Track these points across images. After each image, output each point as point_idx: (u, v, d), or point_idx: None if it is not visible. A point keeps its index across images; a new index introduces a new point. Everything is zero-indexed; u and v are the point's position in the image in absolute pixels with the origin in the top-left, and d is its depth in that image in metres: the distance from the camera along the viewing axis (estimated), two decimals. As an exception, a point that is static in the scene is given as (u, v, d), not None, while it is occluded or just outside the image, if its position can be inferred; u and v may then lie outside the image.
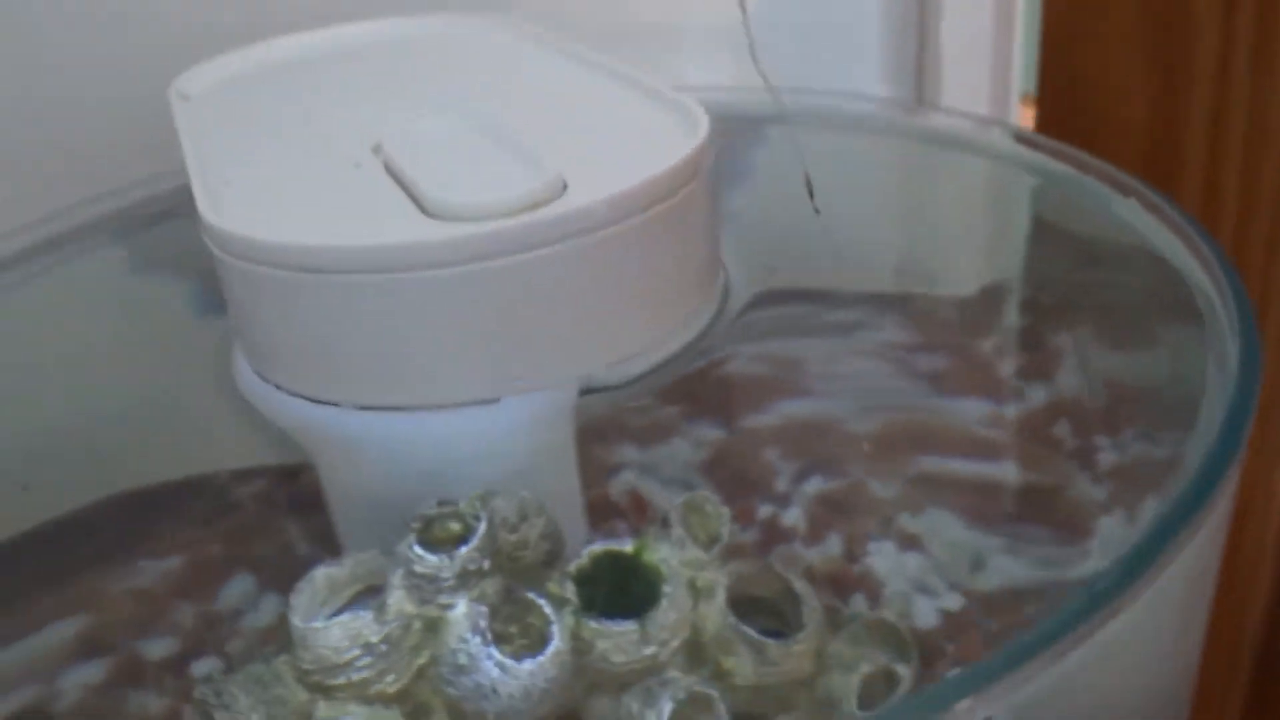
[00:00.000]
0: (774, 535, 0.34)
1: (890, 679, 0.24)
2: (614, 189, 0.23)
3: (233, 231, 0.23)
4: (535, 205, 0.21)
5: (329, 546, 0.29)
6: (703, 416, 0.36)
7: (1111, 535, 0.26)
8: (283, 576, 0.32)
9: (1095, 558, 0.26)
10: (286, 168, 0.27)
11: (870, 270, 0.34)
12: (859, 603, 0.31)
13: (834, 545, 0.33)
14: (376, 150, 0.27)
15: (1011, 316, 0.32)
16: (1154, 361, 0.28)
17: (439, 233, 0.22)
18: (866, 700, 0.24)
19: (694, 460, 0.35)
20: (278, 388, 0.26)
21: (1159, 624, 0.19)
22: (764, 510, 0.34)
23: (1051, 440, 0.30)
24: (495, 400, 0.24)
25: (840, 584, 0.32)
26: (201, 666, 0.30)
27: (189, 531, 0.32)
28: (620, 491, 0.35)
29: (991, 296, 0.33)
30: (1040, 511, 0.30)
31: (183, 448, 0.32)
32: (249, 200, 0.26)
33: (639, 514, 0.34)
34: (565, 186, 0.23)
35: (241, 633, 0.31)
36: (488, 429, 0.24)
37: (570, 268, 0.22)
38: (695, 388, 0.31)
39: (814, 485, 0.34)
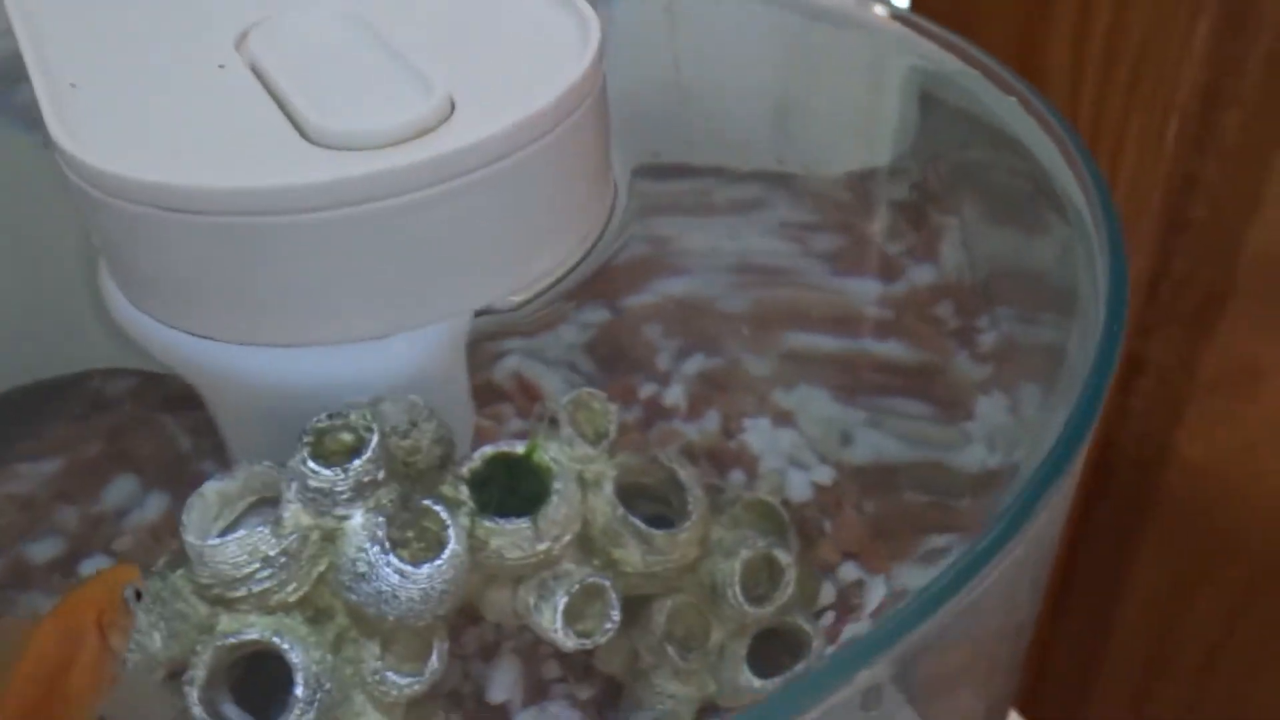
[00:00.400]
0: (655, 413, 0.35)
1: (771, 565, 0.26)
2: (506, 119, 0.21)
3: (93, 165, 0.21)
4: (422, 131, 0.20)
5: (211, 442, 0.28)
6: (586, 299, 0.36)
7: (990, 416, 0.28)
8: (166, 473, 0.32)
9: (976, 441, 0.28)
10: (140, 66, 0.25)
11: (754, 150, 0.34)
12: (737, 478, 0.32)
13: (712, 422, 0.34)
14: (240, 44, 0.25)
15: (897, 195, 0.33)
16: (1035, 245, 0.29)
17: (322, 171, 0.20)
18: (751, 584, 0.26)
19: (578, 342, 0.36)
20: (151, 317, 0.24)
21: (1033, 560, 0.21)
22: (646, 389, 0.35)
23: (934, 319, 0.31)
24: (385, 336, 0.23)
25: (718, 459, 0.33)
26: (90, 565, 0.30)
27: (65, 432, 0.31)
28: (506, 375, 0.35)
29: (875, 176, 0.33)
30: (922, 389, 0.31)
31: (51, 346, 0.31)
32: (103, 116, 0.23)
33: (524, 396, 0.35)
34: (453, 107, 0.22)
35: (128, 531, 0.31)
36: (378, 361, 0.23)
37: (461, 205, 0.21)
38: (579, 271, 0.32)
39: (694, 364, 0.35)
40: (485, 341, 0.34)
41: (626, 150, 0.29)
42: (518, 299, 0.24)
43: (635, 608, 0.27)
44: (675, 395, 0.35)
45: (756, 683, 0.26)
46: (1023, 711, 0.73)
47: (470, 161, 0.21)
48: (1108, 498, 0.58)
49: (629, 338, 0.37)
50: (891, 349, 0.33)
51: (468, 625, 0.29)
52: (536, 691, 0.28)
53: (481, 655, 0.29)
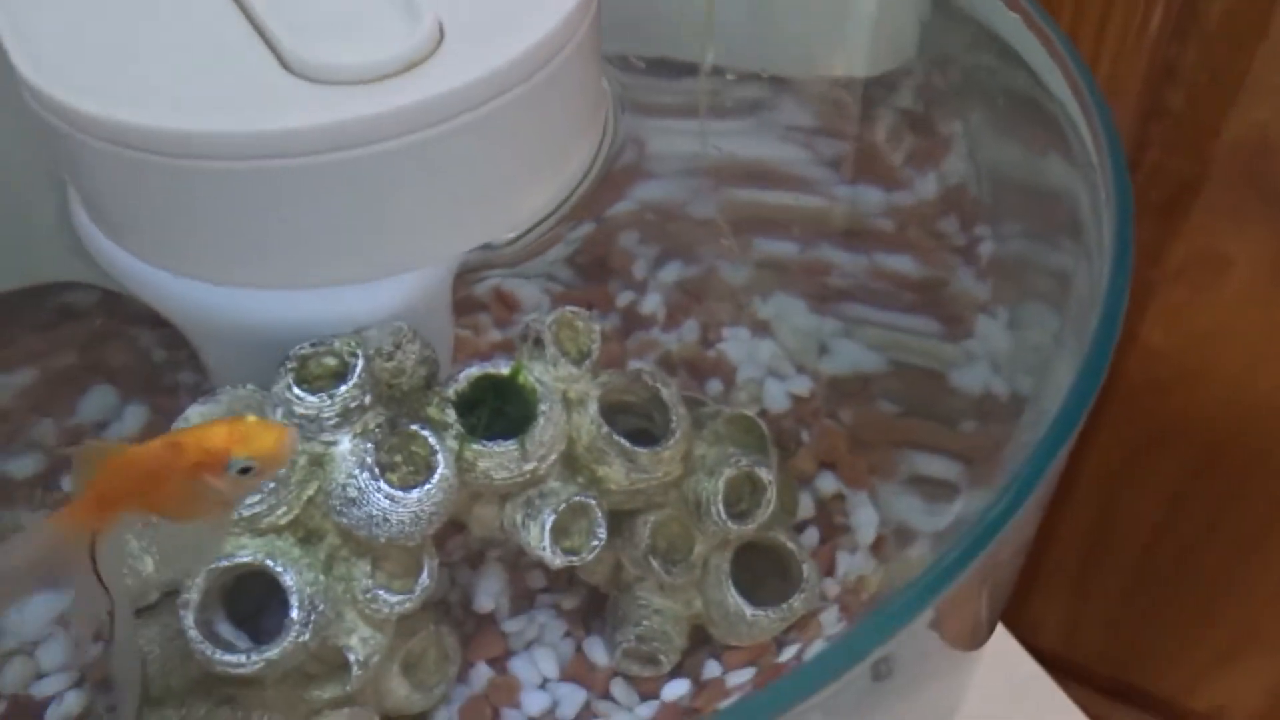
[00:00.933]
0: (633, 322, 0.35)
1: (753, 482, 0.26)
2: (498, 54, 0.20)
3: (63, 101, 0.19)
4: (410, 64, 0.19)
5: (185, 353, 0.28)
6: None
7: (991, 336, 0.28)
8: (142, 384, 0.31)
9: (978, 360, 0.28)
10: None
11: (755, 50, 0.33)
12: (715, 387, 0.33)
13: (691, 331, 0.34)
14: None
15: (905, 101, 0.32)
16: (1036, 162, 0.28)
17: (302, 113, 0.19)
18: (734, 499, 0.26)
19: (558, 254, 0.35)
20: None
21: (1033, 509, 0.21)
22: (624, 298, 0.35)
23: (937, 233, 0.31)
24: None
25: (697, 369, 0.33)
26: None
27: (35, 342, 0.31)
28: (484, 287, 0.35)
29: (885, 81, 0.32)
30: (923, 304, 0.31)
31: (12, 256, 0.30)
32: (70, 44, 0.21)
33: (502, 306, 0.35)
34: (442, 35, 0.20)
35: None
36: (365, 300, 0.23)
37: (451, 147, 0.20)
38: (573, 197, 0.31)
39: (671, 272, 0.35)
40: (470, 272, 0.34)
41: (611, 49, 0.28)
42: (512, 235, 0.23)
43: (619, 522, 0.27)
44: (653, 304, 0.35)
45: (749, 612, 0.26)
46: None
47: (461, 102, 0.20)
48: (1068, 380, 0.59)
49: (606, 246, 0.36)
50: (894, 261, 0.32)
51: (453, 534, 0.29)
52: (523, 600, 0.29)
53: (468, 563, 0.29)
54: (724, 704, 0.26)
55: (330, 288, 0.22)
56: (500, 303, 0.35)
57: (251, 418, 0.20)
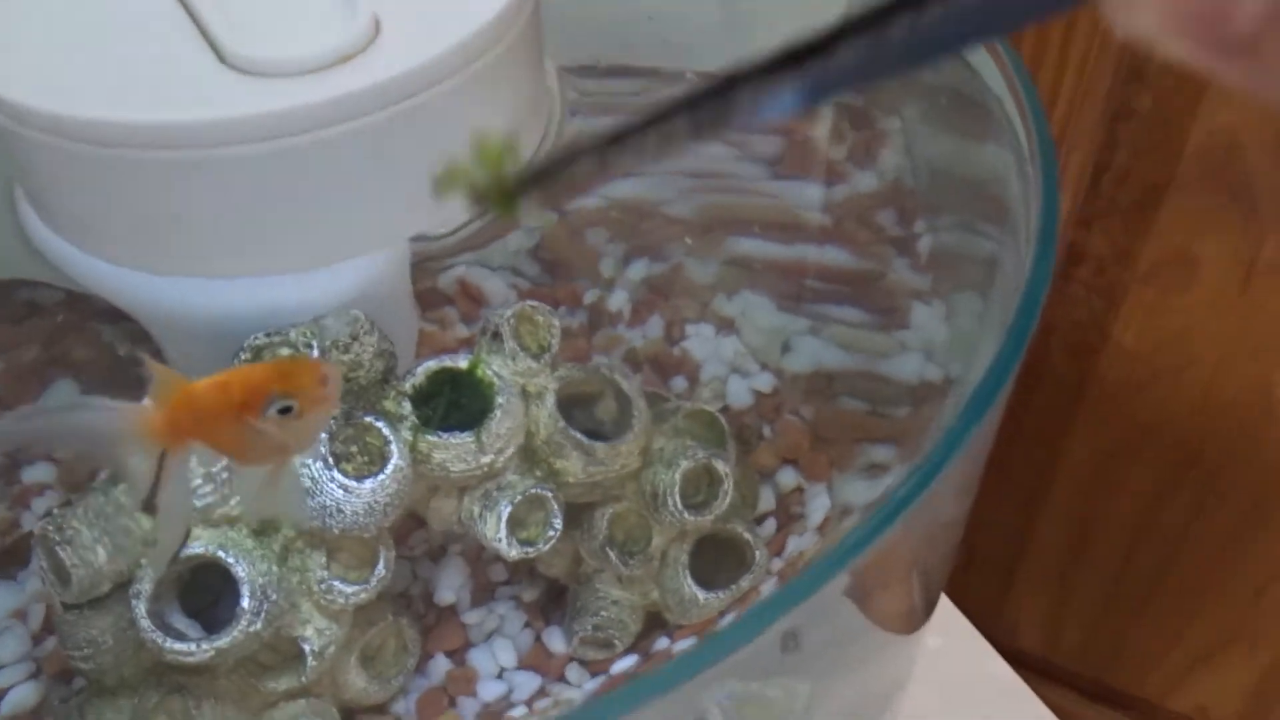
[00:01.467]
0: (600, 319, 0.35)
1: (710, 474, 0.26)
2: (435, 45, 0.20)
3: (3, 96, 0.19)
4: (347, 57, 0.19)
5: (149, 347, 0.28)
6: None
7: (926, 326, 0.28)
8: (105, 377, 0.32)
9: (912, 350, 0.28)
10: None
11: (695, 51, 0.33)
12: (679, 384, 0.33)
13: (655, 328, 0.34)
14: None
15: (841, 97, 0.32)
16: (971, 153, 0.28)
17: (241, 103, 0.19)
18: (691, 491, 0.26)
19: (523, 247, 0.35)
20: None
21: (965, 472, 0.21)
22: (591, 295, 0.35)
23: (874, 225, 0.31)
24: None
25: (661, 366, 0.34)
26: (33, 473, 0.30)
27: (1, 336, 0.31)
28: (449, 281, 0.35)
29: None
30: (860, 296, 0.31)
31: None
32: (11, 40, 0.21)
33: (468, 300, 0.35)
34: (379, 28, 0.21)
35: (70, 437, 0.31)
36: (319, 287, 0.23)
37: (386, 137, 0.20)
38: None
39: (638, 270, 0.35)
40: (431, 260, 0.34)
41: (564, 54, 0.28)
42: (446, 228, 0.23)
43: (578, 514, 0.27)
44: (619, 300, 0.35)
45: (701, 596, 0.27)
46: (950, 593, 0.76)
47: (397, 92, 0.20)
48: (1043, 383, 0.60)
49: (573, 243, 0.37)
50: (831, 255, 0.33)
51: (415, 528, 0.29)
52: (484, 593, 0.29)
53: (429, 557, 0.30)
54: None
55: (283, 276, 0.22)
56: (466, 297, 0.35)
57: (291, 356, 0.19)
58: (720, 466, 0.26)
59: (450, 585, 0.29)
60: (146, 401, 0.18)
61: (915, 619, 0.26)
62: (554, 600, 0.29)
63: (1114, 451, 0.60)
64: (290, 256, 0.21)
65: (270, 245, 0.21)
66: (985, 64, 0.23)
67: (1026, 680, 0.79)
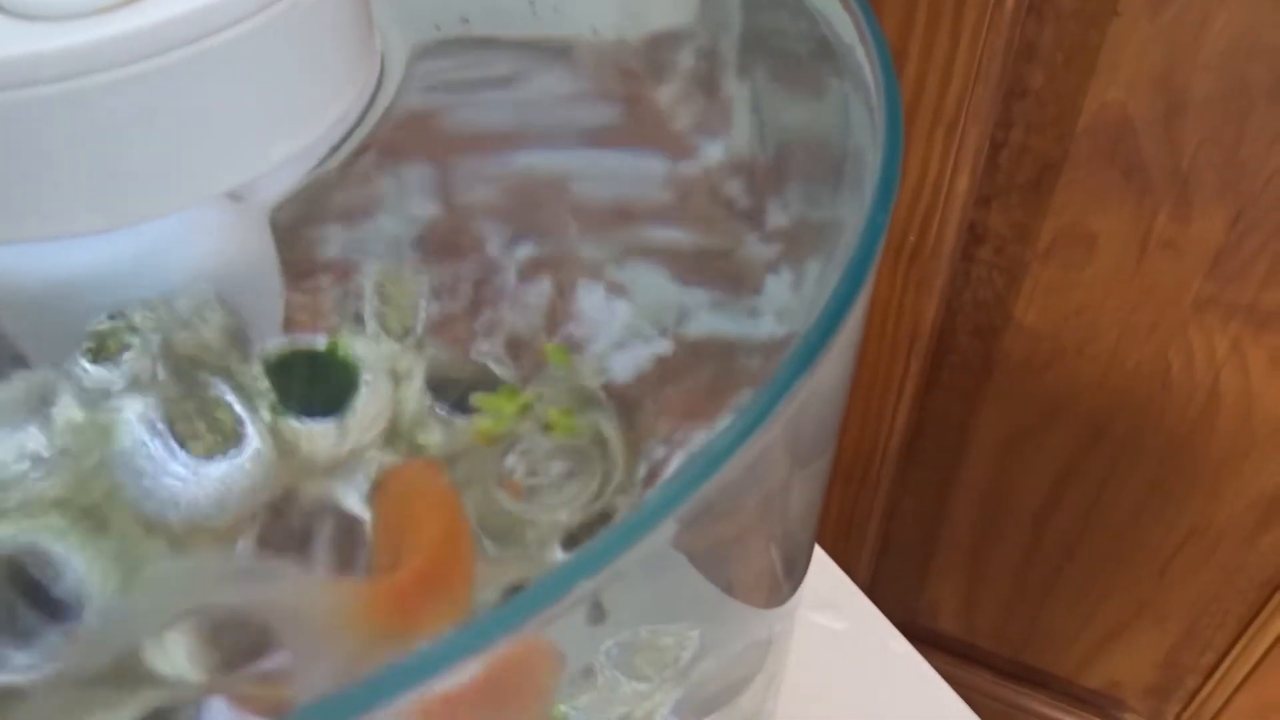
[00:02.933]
0: (483, 302, 0.34)
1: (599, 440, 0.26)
2: None
3: None
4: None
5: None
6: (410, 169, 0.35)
7: (777, 294, 0.27)
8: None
9: (765, 315, 0.28)
10: None
11: (523, 17, 0.32)
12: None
13: (541, 309, 0.33)
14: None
15: (687, 63, 0.31)
16: (826, 117, 0.28)
17: (14, 46, 0.17)
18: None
19: (404, 235, 0.34)
20: None
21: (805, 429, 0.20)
22: (474, 277, 0.34)
23: (723, 199, 0.30)
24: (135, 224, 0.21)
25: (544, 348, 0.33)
26: None
27: None
28: (329, 263, 0.34)
29: (667, 41, 0.31)
30: (710, 273, 0.31)
31: None
32: None
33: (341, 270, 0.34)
34: None
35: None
36: (162, 261, 0.22)
37: (174, 84, 0.19)
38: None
39: (525, 250, 0.34)
40: (302, 227, 0.33)
41: (412, 27, 0.27)
42: (248, 179, 0.22)
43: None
44: (504, 283, 0.34)
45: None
46: (861, 577, 0.76)
47: (180, 33, 0.18)
48: (950, 363, 0.60)
49: (458, 224, 0.35)
50: (679, 233, 0.32)
51: (274, 519, 0.28)
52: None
53: (297, 549, 0.28)
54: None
55: (119, 243, 0.21)
56: (344, 273, 0.34)
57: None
58: (605, 428, 0.25)
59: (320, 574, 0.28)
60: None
61: (779, 593, 0.26)
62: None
63: (1021, 431, 0.61)
64: (82, 216, 0.20)
65: (58, 203, 0.20)
66: (834, 11, 0.22)
67: (947, 663, 0.80)
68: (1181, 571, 0.62)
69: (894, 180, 0.17)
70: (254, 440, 0.23)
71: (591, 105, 0.32)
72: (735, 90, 0.30)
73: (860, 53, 0.20)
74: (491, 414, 0.26)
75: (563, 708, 0.25)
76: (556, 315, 0.33)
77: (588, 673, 0.25)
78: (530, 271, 0.34)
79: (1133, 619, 0.67)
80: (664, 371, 0.31)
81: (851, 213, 0.20)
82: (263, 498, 0.23)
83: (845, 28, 0.21)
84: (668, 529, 0.13)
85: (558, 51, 0.32)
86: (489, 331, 0.33)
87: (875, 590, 0.79)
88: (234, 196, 0.22)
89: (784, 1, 0.25)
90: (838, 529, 0.74)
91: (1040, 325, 0.55)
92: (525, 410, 0.29)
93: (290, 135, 0.21)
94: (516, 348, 0.33)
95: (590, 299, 0.33)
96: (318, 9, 0.20)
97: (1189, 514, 0.59)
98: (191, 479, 0.22)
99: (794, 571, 0.27)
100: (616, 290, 0.33)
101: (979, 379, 0.60)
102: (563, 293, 0.33)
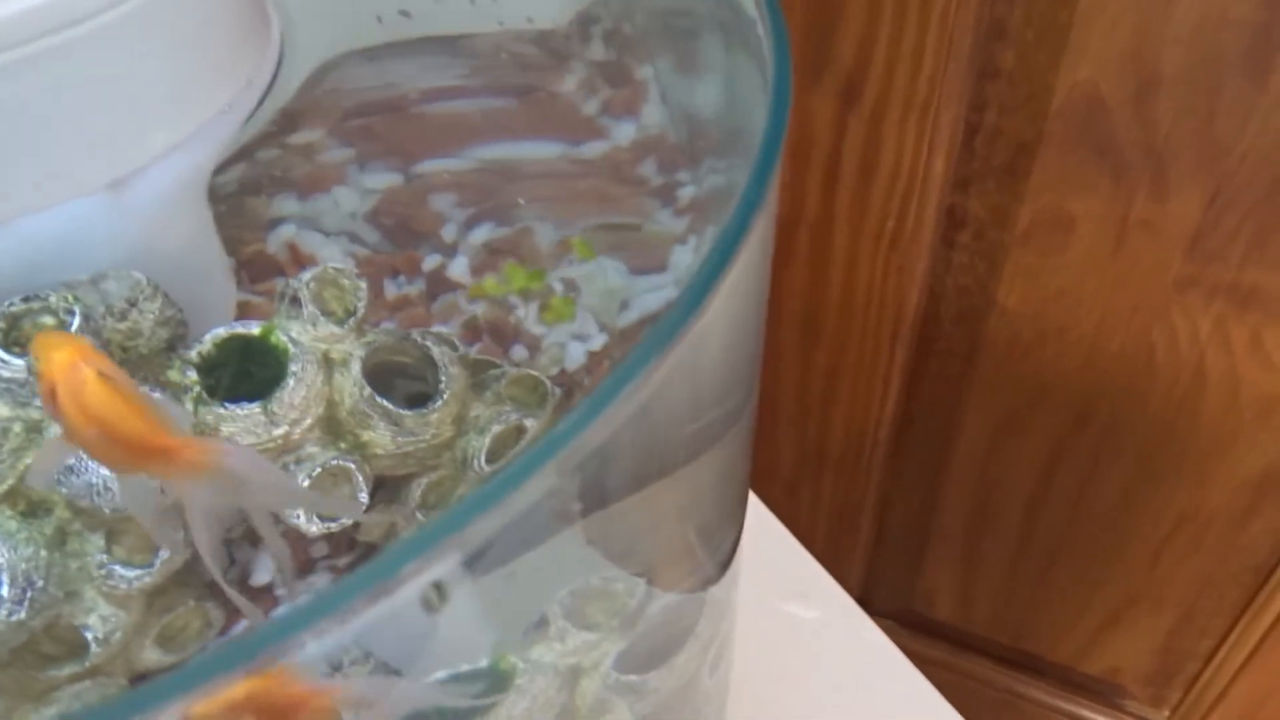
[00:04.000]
0: (439, 286, 0.34)
1: (521, 435, 0.25)
2: None
3: None
4: None
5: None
6: (370, 160, 0.34)
7: (681, 263, 0.27)
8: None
9: (667, 288, 0.27)
10: None
11: (454, 5, 0.31)
12: (519, 353, 0.32)
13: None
14: None
15: (596, 50, 0.31)
16: (725, 90, 0.27)
17: None
18: (500, 452, 0.25)
19: (360, 210, 0.34)
20: None
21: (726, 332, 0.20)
22: (430, 260, 0.34)
23: (635, 179, 0.30)
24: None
25: (500, 334, 0.32)
26: None
27: None
28: (279, 245, 0.34)
29: (577, 26, 0.31)
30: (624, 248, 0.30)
31: None
32: None
33: (299, 269, 0.33)
34: None
35: None
36: (96, 240, 0.21)
37: (51, 70, 0.18)
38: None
39: (481, 234, 0.34)
40: (254, 204, 0.32)
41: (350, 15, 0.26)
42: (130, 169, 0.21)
43: (396, 487, 0.26)
44: (460, 267, 0.34)
45: None
46: (866, 568, 0.76)
47: (53, 21, 0.18)
48: (936, 350, 0.60)
49: (415, 207, 0.35)
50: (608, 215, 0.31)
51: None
52: (304, 569, 0.28)
53: (248, 539, 0.28)
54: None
55: (42, 223, 0.20)
56: (297, 265, 0.33)
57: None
58: (529, 425, 0.25)
59: (267, 566, 0.27)
60: None
61: (704, 574, 0.25)
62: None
63: (1009, 418, 0.60)
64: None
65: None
66: None
67: (945, 651, 0.80)
68: (1175, 557, 0.62)
69: (778, 136, 0.16)
70: (175, 432, 0.22)
71: (521, 97, 0.32)
72: (644, 71, 0.30)
73: (759, 27, 0.20)
74: (503, 279, 0.26)
75: (513, 658, 0.25)
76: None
77: (540, 623, 0.25)
78: (486, 258, 0.34)
79: (1129, 605, 0.67)
80: (609, 354, 0.31)
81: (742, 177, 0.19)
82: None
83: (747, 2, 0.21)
84: (547, 478, 0.13)
85: (456, 43, 0.32)
86: (445, 317, 0.33)
87: (871, 580, 0.79)
88: (112, 188, 0.22)
89: None
90: (830, 519, 0.74)
91: (1022, 310, 0.55)
92: (537, 281, 0.29)
93: (169, 126, 0.21)
94: (475, 332, 0.33)
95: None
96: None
97: (1179, 499, 0.58)
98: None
99: (714, 538, 0.26)
100: (569, 288, 0.33)
101: (965, 366, 0.60)
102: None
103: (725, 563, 0.27)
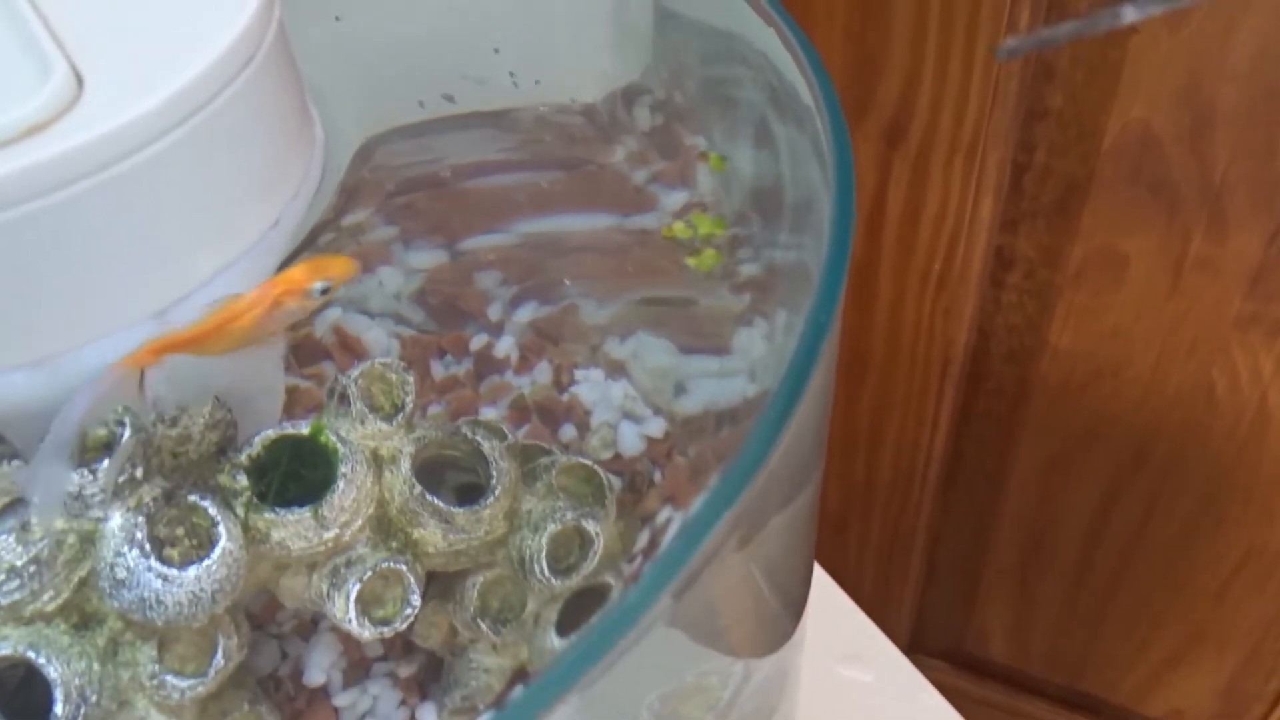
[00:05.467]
0: (487, 366, 0.33)
1: (581, 534, 0.25)
2: (142, 101, 0.17)
3: None
4: (43, 124, 0.17)
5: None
6: (415, 238, 0.34)
7: (748, 347, 0.26)
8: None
9: (739, 374, 0.27)
10: None
11: (497, 86, 0.31)
12: (568, 432, 0.31)
13: (544, 374, 0.32)
14: None
15: (644, 120, 0.30)
16: (780, 162, 0.27)
17: None
18: (562, 554, 0.25)
19: (404, 290, 0.34)
20: None
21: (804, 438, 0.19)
22: (478, 340, 0.33)
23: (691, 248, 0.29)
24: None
25: (549, 413, 0.32)
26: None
27: None
28: (325, 329, 0.33)
29: (622, 99, 0.30)
30: (683, 326, 0.30)
31: None
32: None
33: (346, 352, 0.33)
34: (80, 85, 0.18)
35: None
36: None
37: (90, 210, 0.18)
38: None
39: (526, 312, 0.34)
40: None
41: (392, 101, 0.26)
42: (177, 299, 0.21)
43: (450, 582, 0.26)
44: (506, 346, 0.33)
45: (559, 643, 0.25)
46: (918, 606, 0.74)
47: (95, 160, 0.17)
48: (985, 389, 0.58)
49: (460, 285, 0.35)
50: (659, 287, 0.31)
51: (280, 604, 0.27)
52: (357, 670, 0.27)
53: (299, 633, 0.28)
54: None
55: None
56: (344, 349, 0.33)
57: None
58: (590, 527, 0.24)
59: (320, 664, 0.27)
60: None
61: (776, 636, 0.25)
62: (432, 673, 0.27)
63: (1062, 455, 0.59)
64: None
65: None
66: (780, 55, 0.21)
67: (999, 691, 0.78)
68: (1239, 595, 0.60)
69: (848, 224, 0.16)
70: (222, 541, 0.22)
71: (568, 170, 0.31)
72: (696, 141, 0.29)
73: (812, 105, 0.19)
74: (690, 226, 0.26)
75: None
76: (562, 381, 0.32)
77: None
78: (533, 341, 0.33)
79: (1191, 645, 0.65)
80: (674, 443, 0.30)
81: (813, 257, 0.19)
82: (235, 595, 0.22)
83: (799, 84, 0.20)
84: (663, 606, 0.13)
85: (504, 119, 0.31)
86: (493, 397, 0.33)
87: (922, 618, 0.77)
88: (158, 315, 0.22)
89: (742, 58, 0.24)
90: (879, 556, 0.72)
91: (1076, 349, 0.54)
92: (721, 228, 0.29)
93: (215, 253, 0.20)
94: (523, 412, 0.32)
95: (594, 373, 0.32)
96: (226, 125, 0.19)
97: (1244, 536, 0.56)
98: (165, 585, 0.21)
99: (790, 592, 0.25)
100: (616, 367, 0.32)
101: (1016, 404, 0.58)
102: (565, 365, 0.32)
103: (798, 613, 0.26)
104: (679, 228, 0.29)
